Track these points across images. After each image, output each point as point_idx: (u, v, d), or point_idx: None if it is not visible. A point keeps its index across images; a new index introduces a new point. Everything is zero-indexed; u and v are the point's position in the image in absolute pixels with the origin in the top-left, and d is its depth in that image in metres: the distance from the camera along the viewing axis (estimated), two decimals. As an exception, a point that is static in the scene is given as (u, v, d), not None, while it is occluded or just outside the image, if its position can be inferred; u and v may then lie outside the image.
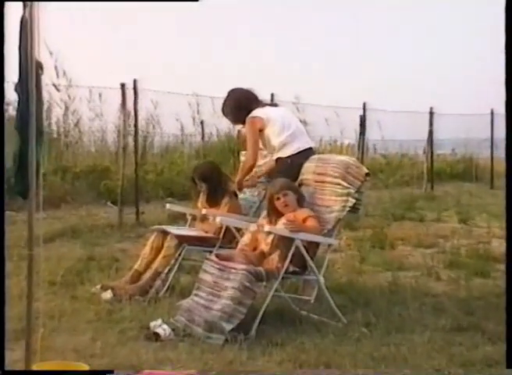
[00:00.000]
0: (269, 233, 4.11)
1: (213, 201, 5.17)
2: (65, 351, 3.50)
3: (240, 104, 5.06)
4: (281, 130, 4.91)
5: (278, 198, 4.32)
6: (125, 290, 4.64)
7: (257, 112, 4.97)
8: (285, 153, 4.89)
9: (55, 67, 10.90)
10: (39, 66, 2.97)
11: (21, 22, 2.88)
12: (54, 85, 10.71)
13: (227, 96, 5.19)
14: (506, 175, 3.20)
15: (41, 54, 2.95)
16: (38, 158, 2.95)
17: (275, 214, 4.34)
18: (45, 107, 9.73)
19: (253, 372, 3.35)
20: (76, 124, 11.64)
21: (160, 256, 4.86)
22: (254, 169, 5.14)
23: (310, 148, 4.98)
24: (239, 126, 5.41)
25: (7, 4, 2.89)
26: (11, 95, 3.08)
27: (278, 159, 4.94)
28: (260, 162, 5.15)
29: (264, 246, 4.16)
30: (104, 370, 3.19)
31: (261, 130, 4.93)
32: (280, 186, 4.36)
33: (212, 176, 5.19)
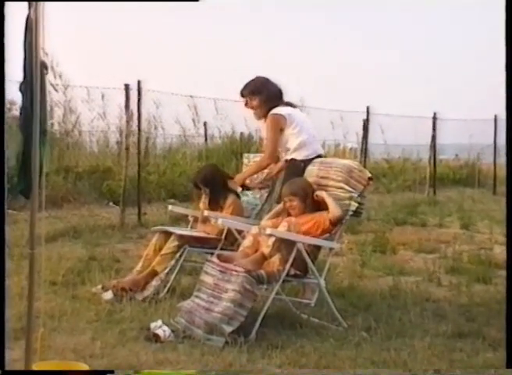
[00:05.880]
0: (271, 235, 4.11)
1: (216, 204, 5.17)
2: (64, 351, 3.50)
3: (269, 96, 4.93)
4: (300, 132, 4.85)
5: (285, 201, 4.40)
6: (121, 283, 4.65)
7: (281, 110, 4.88)
8: (300, 156, 4.83)
9: (52, 68, 10.94)
10: (43, 66, 2.97)
11: (26, 21, 2.88)
12: (52, 85, 10.74)
13: (258, 82, 5.00)
14: (506, 180, 3.20)
15: (44, 54, 2.96)
16: (41, 157, 2.95)
17: (286, 215, 4.40)
18: (48, 107, 9.76)
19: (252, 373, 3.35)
20: (79, 124, 11.68)
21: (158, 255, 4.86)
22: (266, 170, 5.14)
23: (320, 155, 4.95)
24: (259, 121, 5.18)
25: (8, 4, 2.89)
26: (15, 95, 3.08)
27: (291, 160, 4.87)
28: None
29: (265, 248, 4.16)
30: (104, 370, 3.19)
31: (281, 130, 4.85)
32: (289, 191, 4.40)
33: (214, 180, 5.19)
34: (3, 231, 2.88)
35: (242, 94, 5.06)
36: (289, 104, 5.04)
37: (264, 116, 4.96)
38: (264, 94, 4.95)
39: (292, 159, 4.87)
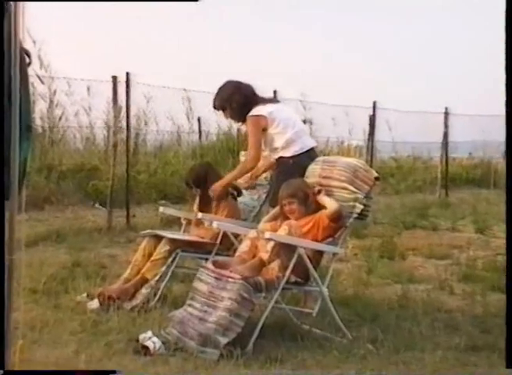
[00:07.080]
0: (270, 240, 4.11)
1: (208, 206, 5.16)
2: (46, 365, 3.48)
3: (246, 100, 4.98)
4: (285, 130, 4.90)
5: (284, 204, 4.39)
6: (107, 291, 4.65)
7: (260, 110, 4.92)
8: (288, 153, 4.89)
9: (39, 57, 10.90)
10: (26, 54, 2.94)
11: (6, 9, 2.86)
12: (38, 76, 10.67)
13: (229, 89, 5.03)
14: (506, 178, 3.19)
15: (24, 44, 2.94)
16: (25, 155, 2.93)
17: (284, 218, 4.39)
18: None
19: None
20: (63, 119, 11.65)
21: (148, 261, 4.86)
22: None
23: (312, 148, 4.98)
24: (238, 124, 5.34)
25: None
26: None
27: (280, 159, 4.94)
28: (259, 163, 5.15)
29: (263, 254, 4.15)
30: (107, 370, 3.19)
31: (264, 130, 4.91)
32: (287, 193, 4.40)
33: (207, 180, 5.18)
34: (3, 232, 2.86)
35: (214, 107, 5.13)
36: (268, 100, 5.10)
37: (244, 120, 5.01)
38: (235, 102, 4.99)
39: (280, 157, 4.93)
